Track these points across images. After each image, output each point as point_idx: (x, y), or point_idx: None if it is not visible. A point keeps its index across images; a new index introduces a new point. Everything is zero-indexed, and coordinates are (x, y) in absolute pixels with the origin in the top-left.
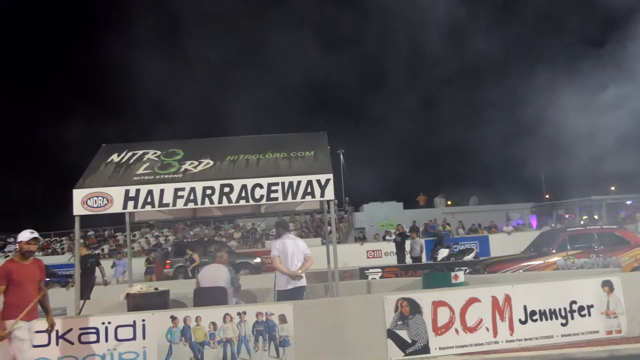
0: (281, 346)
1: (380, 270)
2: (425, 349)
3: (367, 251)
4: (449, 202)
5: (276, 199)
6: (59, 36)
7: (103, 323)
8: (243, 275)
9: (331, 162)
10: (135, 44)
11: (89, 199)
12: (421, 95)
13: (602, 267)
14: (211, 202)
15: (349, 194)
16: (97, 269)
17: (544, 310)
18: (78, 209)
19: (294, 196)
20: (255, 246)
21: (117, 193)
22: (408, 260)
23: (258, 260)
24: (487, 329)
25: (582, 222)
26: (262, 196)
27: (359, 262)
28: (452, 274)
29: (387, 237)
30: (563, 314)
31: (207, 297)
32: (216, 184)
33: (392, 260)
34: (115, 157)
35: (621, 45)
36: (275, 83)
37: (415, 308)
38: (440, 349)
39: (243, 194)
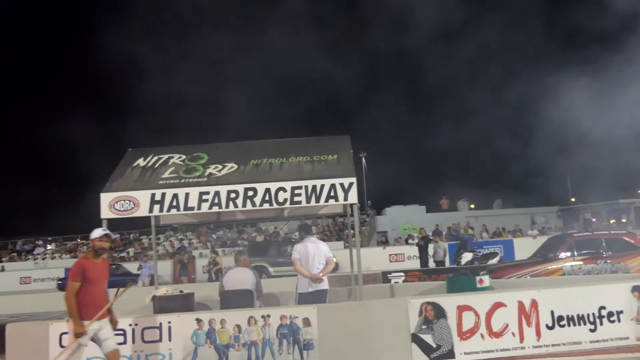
0: (305, 349)
1: (403, 274)
2: (450, 354)
3: (390, 255)
4: (472, 206)
5: (299, 202)
6: (59, 36)
7: (130, 325)
8: (263, 279)
9: (354, 166)
10: (136, 43)
11: (116, 202)
12: (445, 98)
13: (610, 274)
14: (235, 205)
15: (371, 197)
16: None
17: (572, 316)
18: (106, 212)
19: (317, 200)
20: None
21: (143, 197)
22: (431, 264)
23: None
24: (514, 334)
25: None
26: (285, 200)
27: (381, 266)
28: (477, 278)
29: (410, 241)
30: (591, 319)
31: (234, 300)
32: (240, 188)
33: (415, 264)
34: (141, 162)
35: None
36: (304, 89)
37: (439, 312)
38: (465, 354)
39: (267, 198)
